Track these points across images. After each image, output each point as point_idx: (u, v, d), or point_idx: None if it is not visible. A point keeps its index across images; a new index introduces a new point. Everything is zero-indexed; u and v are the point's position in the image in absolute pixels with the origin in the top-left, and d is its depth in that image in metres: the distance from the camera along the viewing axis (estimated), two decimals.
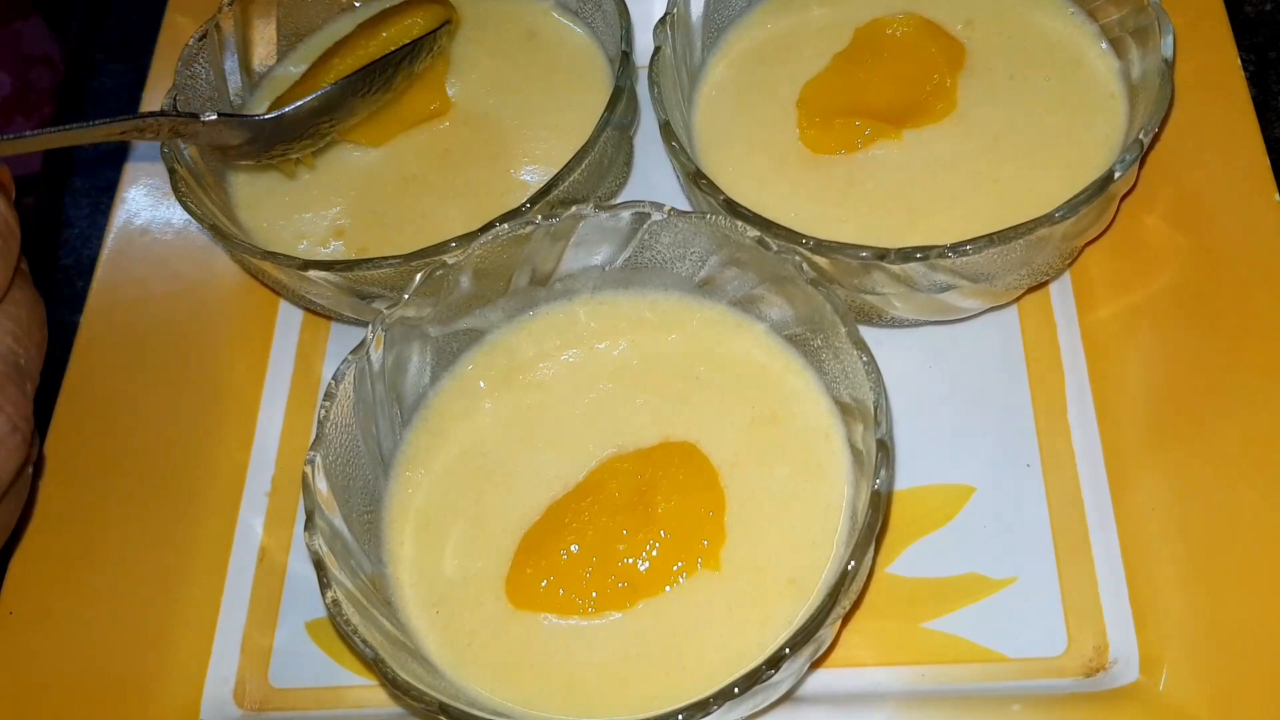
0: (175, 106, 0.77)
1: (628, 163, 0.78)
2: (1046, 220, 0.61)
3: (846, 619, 0.64)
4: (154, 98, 0.91)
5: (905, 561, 0.68)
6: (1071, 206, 0.61)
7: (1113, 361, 0.70)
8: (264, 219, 0.78)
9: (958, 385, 0.72)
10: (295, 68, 0.85)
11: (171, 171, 0.73)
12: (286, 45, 0.86)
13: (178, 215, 0.85)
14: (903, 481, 0.70)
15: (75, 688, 0.69)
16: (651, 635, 0.60)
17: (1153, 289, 0.70)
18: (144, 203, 0.86)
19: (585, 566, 0.61)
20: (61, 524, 0.74)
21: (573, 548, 0.62)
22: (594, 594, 0.61)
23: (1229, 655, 0.60)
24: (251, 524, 0.75)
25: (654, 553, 0.61)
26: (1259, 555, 0.62)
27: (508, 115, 0.79)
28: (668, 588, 0.61)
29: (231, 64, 0.82)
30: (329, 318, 0.79)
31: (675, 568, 0.61)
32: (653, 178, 0.80)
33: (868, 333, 0.70)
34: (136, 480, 0.75)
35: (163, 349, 0.80)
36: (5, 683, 0.69)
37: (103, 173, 1.02)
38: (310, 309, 0.78)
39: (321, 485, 0.60)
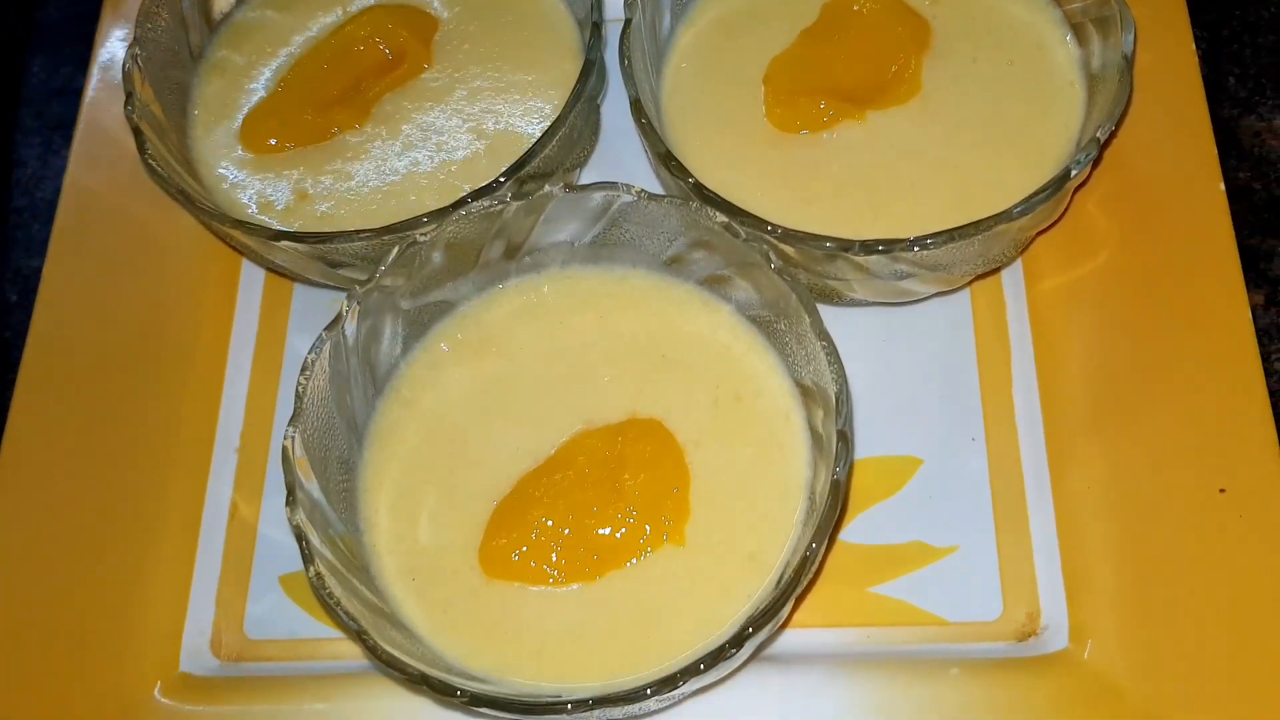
0: (137, 61, 0.75)
1: (595, 131, 0.79)
2: (1004, 217, 0.63)
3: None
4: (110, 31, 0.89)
5: (855, 529, 0.72)
6: (1029, 204, 0.64)
7: (1058, 344, 0.73)
8: (225, 176, 0.78)
9: (910, 361, 0.75)
10: (254, 12, 0.84)
11: (137, 132, 0.73)
12: None
13: (136, 160, 0.84)
14: (855, 452, 0.73)
15: (56, 641, 0.70)
16: (619, 606, 0.63)
17: (1099, 275, 0.74)
18: (102, 148, 0.85)
19: (555, 539, 0.64)
20: (32, 479, 0.75)
21: (544, 520, 0.64)
22: (564, 565, 0.64)
23: (1151, 630, 0.65)
24: (222, 480, 0.76)
25: (621, 527, 0.64)
26: (1185, 537, 0.67)
27: (476, 75, 0.79)
28: (634, 560, 0.64)
29: (191, 11, 0.81)
30: (292, 279, 0.80)
31: (641, 541, 0.64)
32: (620, 144, 0.81)
33: (825, 311, 0.73)
34: (106, 436, 0.76)
35: (126, 307, 0.79)
36: None
37: (52, 110, 1.00)
38: (273, 270, 0.78)
39: (301, 459, 0.62)
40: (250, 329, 0.80)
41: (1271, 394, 0.76)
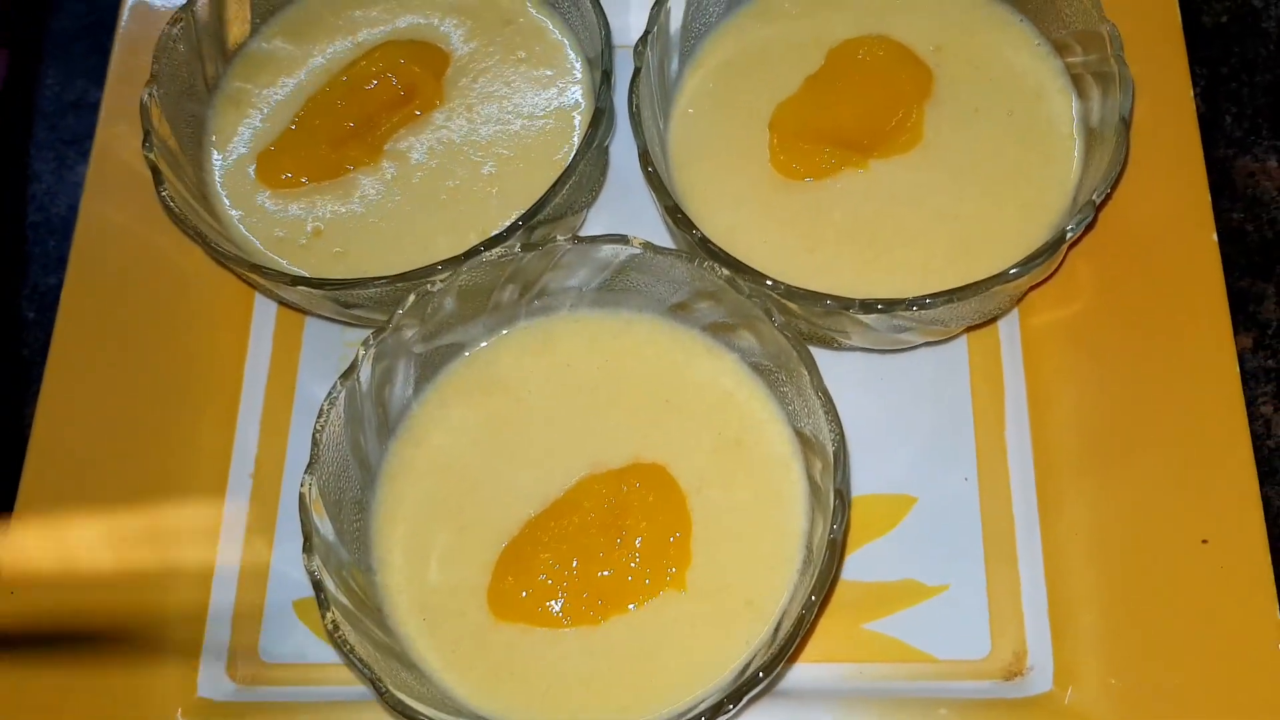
0: (154, 97, 0.77)
1: (604, 171, 0.80)
2: (1001, 278, 0.65)
3: None
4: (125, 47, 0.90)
5: (850, 566, 0.74)
6: (1026, 266, 0.66)
7: (1050, 390, 0.75)
8: (241, 211, 0.80)
9: (905, 400, 0.77)
10: (268, 43, 0.85)
11: (155, 170, 0.74)
12: (260, 20, 0.86)
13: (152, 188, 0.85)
14: (850, 461, 0.75)
15: (78, 667, 0.73)
16: (621, 649, 0.66)
17: (1092, 325, 0.75)
18: (117, 175, 0.86)
19: (561, 582, 0.66)
20: (53, 503, 0.77)
21: (550, 563, 0.67)
22: (569, 608, 0.66)
23: (1132, 676, 0.68)
24: (237, 505, 0.78)
25: (625, 572, 0.67)
26: (1167, 586, 0.69)
27: (487, 115, 0.80)
28: (636, 606, 0.66)
29: (208, 46, 0.82)
30: (305, 313, 0.82)
31: (644, 585, 0.67)
32: (628, 182, 0.81)
33: (823, 354, 0.75)
34: (123, 462, 0.78)
35: (142, 335, 0.81)
36: (6, 661, 0.73)
37: (65, 123, 1.01)
38: (286, 304, 0.80)
39: (318, 506, 0.64)
40: (264, 358, 0.82)
41: (1257, 438, 0.79)
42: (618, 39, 0.80)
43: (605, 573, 0.66)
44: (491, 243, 0.70)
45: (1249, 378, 0.81)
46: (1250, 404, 0.79)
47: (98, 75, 1.00)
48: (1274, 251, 0.84)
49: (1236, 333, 0.79)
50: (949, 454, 0.76)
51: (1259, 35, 0.92)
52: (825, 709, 0.70)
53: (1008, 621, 0.72)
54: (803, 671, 0.72)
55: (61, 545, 0.76)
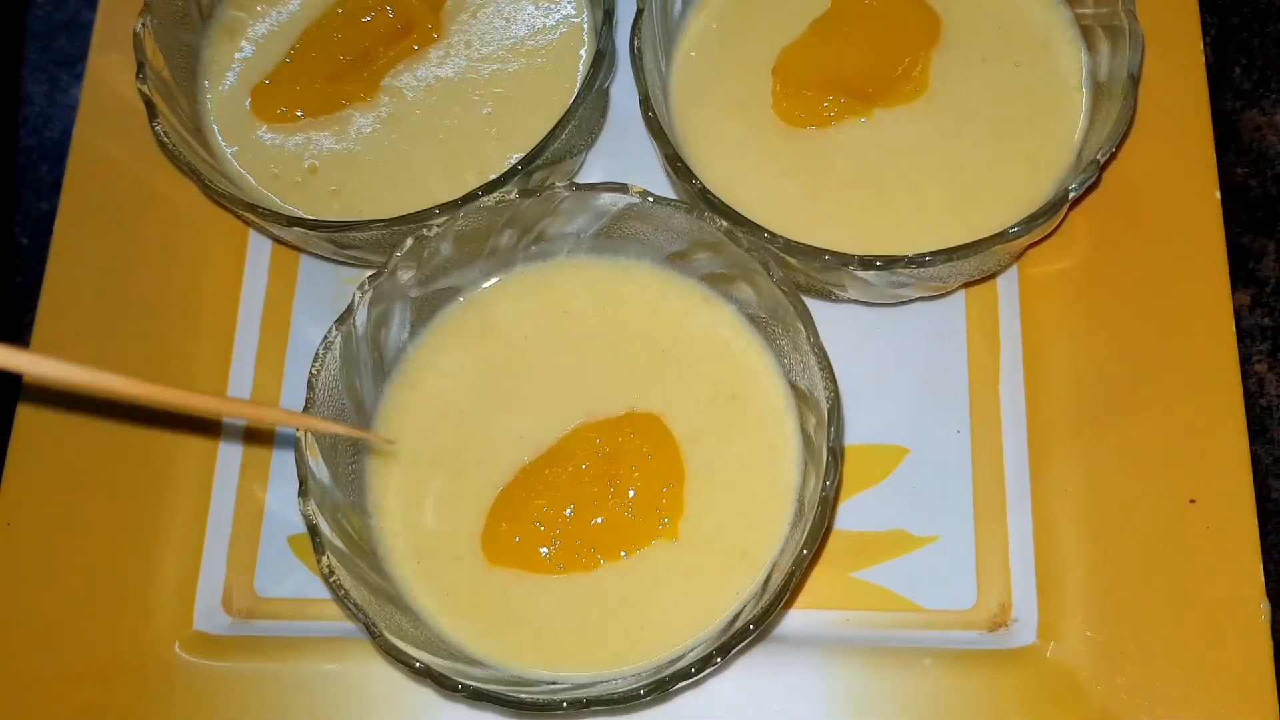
0: (148, 27, 0.75)
1: (604, 113, 0.79)
2: (1001, 237, 0.65)
3: None
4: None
5: (841, 515, 0.75)
6: (1027, 225, 0.65)
7: (1046, 346, 0.75)
8: (235, 145, 0.79)
9: (901, 353, 0.77)
10: None
11: (149, 103, 0.73)
12: None
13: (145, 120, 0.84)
14: (844, 418, 0.75)
15: (74, 599, 0.74)
16: (614, 597, 0.67)
17: (1090, 282, 0.75)
18: (110, 105, 0.85)
19: (554, 528, 0.67)
20: (47, 443, 0.77)
21: (544, 509, 0.67)
22: (562, 554, 0.67)
23: (1114, 632, 0.69)
24: (232, 442, 0.79)
25: (618, 520, 0.67)
26: (1153, 545, 0.70)
27: (485, 51, 0.79)
28: (629, 554, 0.67)
29: None
30: (299, 250, 0.81)
31: (636, 534, 0.67)
32: (629, 125, 0.80)
33: (820, 307, 0.75)
34: (120, 401, 0.78)
35: (136, 271, 0.80)
36: (4, 596, 0.74)
37: (58, 44, 0.99)
38: (281, 242, 0.80)
39: (313, 450, 0.64)
40: (258, 295, 0.81)
41: (1250, 395, 0.79)
42: None
43: (598, 520, 0.67)
44: (490, 187, 0.69)
45: (1245, 335, 0.81)
46: (1245, 362, 0.80)
47: None
48: (1276, 207, 0.84)
49: (1235, 289, 0.78)
50: (943, 406, 0.76)
51: None
52: (812, 655, 0.71)
53: (994, 574, 0.73)
54: (791, 618, 0.73)
55: (57, 480, 0.76)
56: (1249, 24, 0.89)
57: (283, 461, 0.78)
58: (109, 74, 0.84)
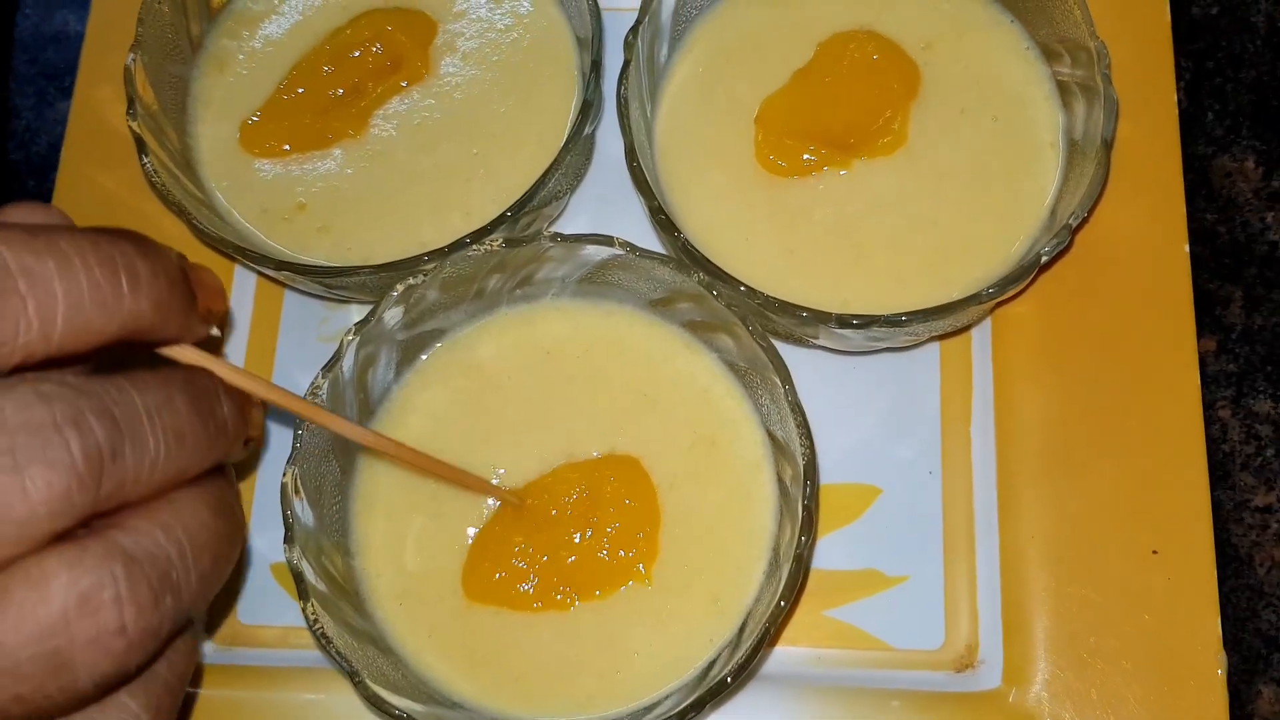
0: (139, 62, 0.76)
1: (589, 155, 0.80)
2: (975, 299, 0.67)
3: None
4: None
5: (816, 553, 0.76)
6: (1000, 286, 0.67)
7: (1016, 394, 0.77)
8: (224, 179, 0.79)
9: (874, 394, 0.78)
10: (254, 4, 0.84)
11: (139, 140, 0.74)
12: None
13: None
14: (820, 476, 0.77)
15: None
16: (589, 637, 0.68)
17: (1060, 333, 0.77)
18: (98, 134, 0.85)
19: (533, 565, 0.69)
20: None
21: (524, 547, 0.69)
22: (541, 591, 0.69)
23: (1075, 679, 0.71)
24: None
25: (592, 561, 0.69)
26: (1115, 594, 0.72)
27: (473, 90, 0.80)
28: (603, 593, 0.69)
29: (193, 2, 0.81)
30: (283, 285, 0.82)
31: (610, 576, 0.69)
32: (613, 167, 0.81)
33: (795, 351, 0.77)
34: None
35: None
36: None
37: (46, 57, 0.99)
38: (266, 277, 0.81)
39: (299, 496, 0.66)
40: (243, 327, 0.82)
41: (1213, 441, 0.82)
42: (608, 18, 0.79)
43: (573, 559, 0.69)
44: (478, 235, 0.70)
45: (1209, 381, 0.83)
46: (1209, 408, 0.82)
47: (78, 6, 0.98)
48: (1244, 254, 0.86)
49: (1200, 335, 0.80)
50: (915, 448, 0.78)
51: (1248, 29, 0.92)
52: (783, 692, 0.73)
53: (962, 615, 0.74)
54: (762, 655, 0.75)
55: None
56: (1223, 69, 0.91)
57: (266, 489, 0.79)
58: (98, 105, 0.85)
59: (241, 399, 0.53)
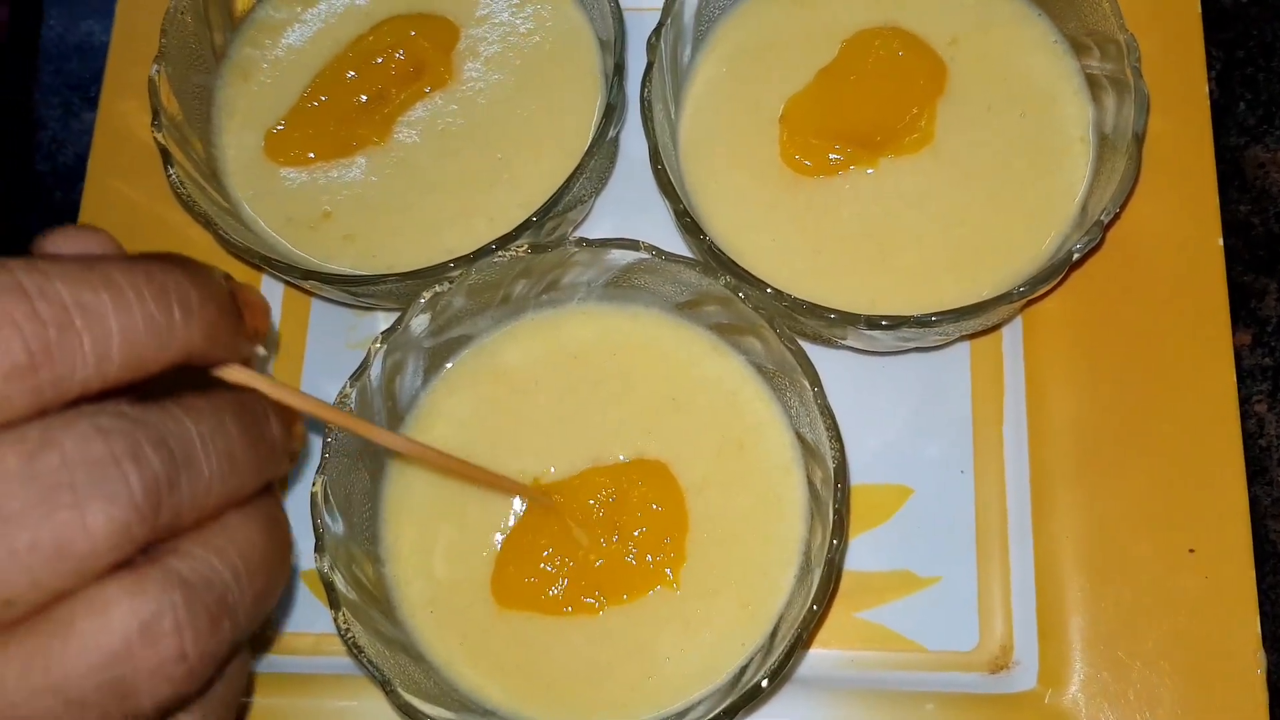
0: (163, 73, 0.76)
1: (614, 158, 0.80)
2: (1006, 298, 0.66)
3: None
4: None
5: (847, 555, 0.76)
6: (1031, 284, 0.66)
7: (1049, 392, 0.76)
8: (250, 188, 0.79)
9: (905, 393, 0.78)
10: (277, 11, 0.84)
11: (164, 151, 0.74)
12: None
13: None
14: (850, 478, 0.77)
15: None
16: (620, 644, 0.68)
17: (1094, 329, 0.76)
18: (124, 143, 0.86)
19: (563, 568, 0.68)
20: None
21: (551, 552, 0.69)
22: (570, 595, 0.69)
23: (1112, 682, 0.70)
24: None
25: (620, 566, 0.68)
26: (1151, 594, 0.71)
27: (496, 95, 0.80)
28: (631, 600, 0.69)
29: (216, 13, 0.81)
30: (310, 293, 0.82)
31: (638, 580, 0.69)
32: (638, 168, 0.80)
33: (823, 351, 0.76)
34: None
35: None
36: None
37: (70, 67, 1.00)
38: (293, 285, 0.81)
39: (329, 505, 0.66)
40: (272, 335, 0.82)
41: (1250, 436, 0.80)
42: (630, 20, 0.79)
43: (600, 562, 0.68)
44: (503, 240, 0.70)
45: (1245, 375, 0.82)
46: (1245, 402, 0.81)
47: (103, 15, 0.99)
48: (1278, 246, 0.85)
49: (1235, 329, 0.79)
50: (946, 448, 0.77)
51: (1279, 17, 0.91)
52: (817, 695, 0.72)
53: (996, 616, 0.74)
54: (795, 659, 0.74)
55: None
56: (1254, 58, 0.90)
57: (297, 498, 0.79)
58: (123, 116, 0.85)
59: (288, 416, 0.53)
